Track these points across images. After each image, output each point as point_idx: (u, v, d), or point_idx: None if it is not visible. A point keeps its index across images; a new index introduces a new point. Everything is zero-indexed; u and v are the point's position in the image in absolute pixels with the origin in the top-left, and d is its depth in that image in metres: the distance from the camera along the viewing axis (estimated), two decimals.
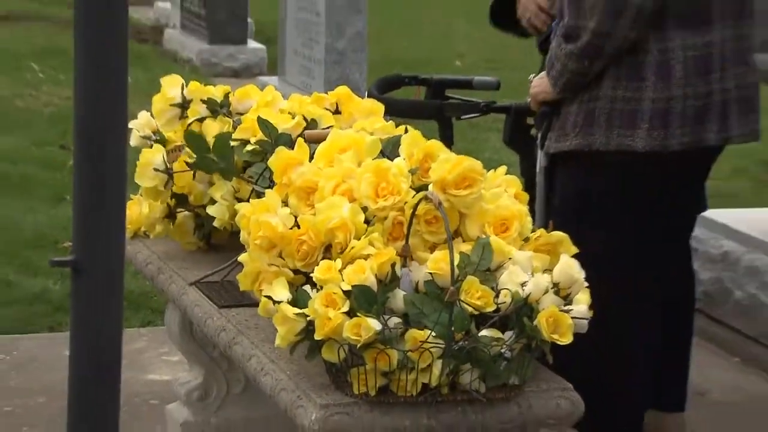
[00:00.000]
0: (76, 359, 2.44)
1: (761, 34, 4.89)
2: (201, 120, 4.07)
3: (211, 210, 3.92)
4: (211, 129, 4.01)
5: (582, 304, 3.19)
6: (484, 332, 3.06)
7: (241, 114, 4.05)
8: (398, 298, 3.10)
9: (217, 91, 4.16)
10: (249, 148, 3.87)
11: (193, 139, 3.92)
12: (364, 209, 3.29)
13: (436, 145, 3.48)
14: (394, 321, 3.05)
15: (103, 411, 2.49)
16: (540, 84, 4.32)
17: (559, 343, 3.11)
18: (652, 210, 4.30)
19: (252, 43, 10.04)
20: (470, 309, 3.06)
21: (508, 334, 3.08)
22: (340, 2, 8.00)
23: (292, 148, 3.61)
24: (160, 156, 4.03)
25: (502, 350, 3.06)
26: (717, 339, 5.31)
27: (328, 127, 3.87)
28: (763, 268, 5.25)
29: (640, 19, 4.06)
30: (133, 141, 4.06)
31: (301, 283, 3.21)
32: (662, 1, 4.06)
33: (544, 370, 3.25)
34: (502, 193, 3.40)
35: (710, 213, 4.98)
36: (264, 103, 4.08)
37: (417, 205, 3.21)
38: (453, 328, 3.03)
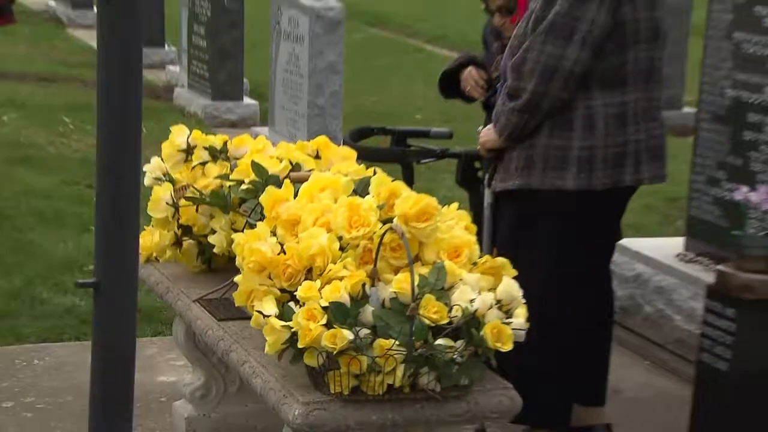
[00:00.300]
0: (97, 364, 2.41)
1: (666, 94, 4.88)
2: (203, 164, 4.06)
3: (211, 239, 3.93)
4: (212, 171, 4.02)
5: (520, 317, 3.21)
6: (439, 341, 3.07)
7: (238, 158, 4.05)
8: (368, 312, 3.10)
9: (217, 140, 4.16)
10: (244, 187, 3.86)
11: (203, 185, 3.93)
12: (340, 238, 3.28)
13: (399, 185, 3.48)
14: (364, 332, 3.05)
15: (119, 407, 2.45)
16: (487, 134, 4.32)
17: (501, 350, 3.13)
18: (581, 239, 4.30)
19: (247, 100, 10.03)
20: (428, 322, 3.07)
21: (459, 343, 3.09)
22: (320, 66, 8.03)
23: (280, 188, 3.61)
24: (168, 193, 4.02)
25: (454, 356, 3.08)
26: (630, 345, 5.32)
27: (309, 170, 3.88)
28: (667, 287, 5.28)
29: (570, 82, 4.08)
30: (147, 181, 4.05)
31: (287, 300, 3.20)
32: (588, 68, 4.08)
33: (489, 372, 3.24)
34: (454, 225, 3.41)
35: (625, 241, 4.98)
36: (256, 149, 4.08)
37: (383, 235, 3.21)
38: (413, 338, 3.05)
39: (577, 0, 4.06)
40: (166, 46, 12.17)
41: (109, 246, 2.37)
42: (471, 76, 4.97)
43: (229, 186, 3.92)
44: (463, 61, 5.09)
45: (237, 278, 3.38)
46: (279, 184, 3.69)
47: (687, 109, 7.72)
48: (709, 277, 4.44)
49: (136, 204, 2.39)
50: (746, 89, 5.05)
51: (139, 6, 2.27)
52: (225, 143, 4.15)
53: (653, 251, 5.49)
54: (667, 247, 5.51)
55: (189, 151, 4.11)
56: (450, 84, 5.10)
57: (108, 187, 2.34)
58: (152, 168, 4.11)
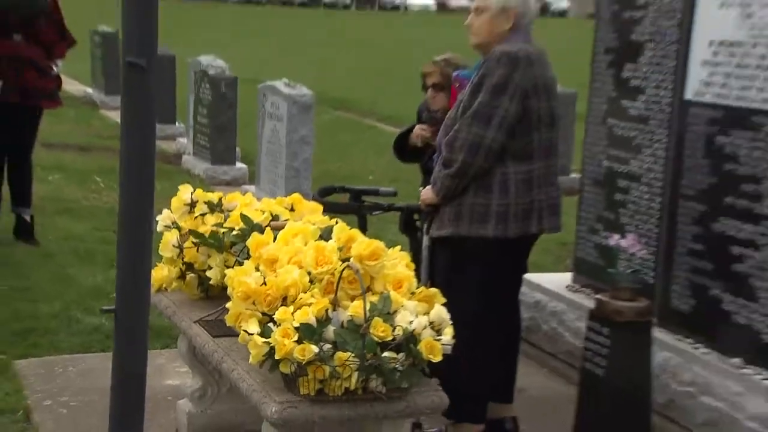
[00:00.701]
0: (117, 371, 2.39)
1: (559, 164, 4.91)
2: (203, 215, 4.06)
3: (209, 273, 3.92)
4: (210, 220, 4.02)
5: (448, 336, 3.23)
6: (385, 354, 3.09)
7: (230, 211, 4.05)
8: (330, 331, 3.11)
9: (214, 196, 4.15)
10: (234, 233, 3.87)
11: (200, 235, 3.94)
12: (309, 273, 3.29)
13: (355, 232, 3.50)
14: (326, 346, 3.06)
15: (134, 404, 2.43)
16: (427, 193, 4.34)
17: (433, 361, 3.15)
18: (499, 278, 4.34)
19: (239, 164, 9.99)
20: (376, 339, 3.08)
21: (401, 355, 3.11)
22: (295, 139, 8.04)
23: (263, 234, 3.62)
24: (175, 238, 4.02)
25: (397, 366, 3.10)
26: (532, 356, 5.30)
27: (285, 220, 3.88)
28: (559, 311, 5.29)
29: (490, 156, 4.11)
30: (159, 228, 4.04)
31: (267, 321, 3.19)
32: (503, 145, 4.11)
33: (423, 378, 3.23)
34: (397, 263, 3.41)
35: (528, 276, 4.97)
36: (244, 204, 4.09)
37: (343, 271, 3.22)
38: (365, 351, 3.07)
39: (495, 93, 4.09)
40: (176, 123, 12.12)
41: (128, 280, 2.36)
42: (417, 129, 5.02)
43: (223, 232, 3.92)
44: (410, 127, 5.14)
45: (228, 304, 3.37)
46: (261, 231, 3.71)
47: (574, 175, 7.77)
48: (590, 304, 4.44)
49: (150, 246, 2.38)
50: (617, 162, 5.09)
51: (152, 96, 2.28)
52: (220, 199, 4.15)
53: (549, 283, 5.51)
54: (559, 281, 5.52)
55: (192, 204, 4.11)
56: (401, 147, 5.13)
57: (128, 232, 2.33)
58: (163, 218, 4.11)
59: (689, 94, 4.63)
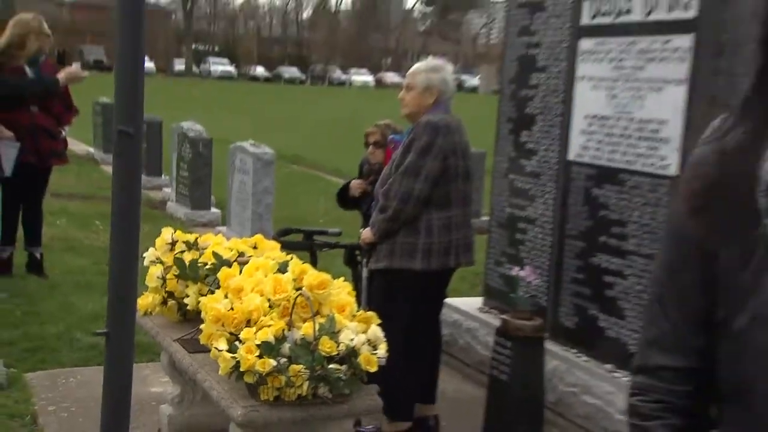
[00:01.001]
0: (108, 383, 2.36)
1: (473, 209, 4.93)
2: (182, 252, 4.01)
3: (186, 300, 3.85)
4: (187, 257, 3.96)
5: (382, 350, 3.20)
6: (331, 366, 3.05)
7: (204, 248, 3.99)
8: (286, 348, 3.07)
9: (191, 237, 4.10)
10: (207, 267, 3.82)
11: (181, 267, 3.88)
12: (268, 300, 3.25)
13: (307, 266, 3.46)
14: (283, 360, 3.02)
15: (122, 410, 2.40)
16: (366, 233, 4.34)
17: (369, 371, 3.14)
18: (423, 300, 4.35)
19: (213, 209, 9.88)
20: (324, 353, 3.05)
21: (344, 367, 3.08)
22: (259, 189, 7.99)
23: (231, 267, 3.58)
24: (159, 271, 3.95)
25: (341, 375, 3.07)
26: (451, 365, 5.28)
27: (249, 257, 3.84)
28: (473, 328, 5.29)
29: (418, 204, 4.13)
30: (145, 263, 3.98)
31: (234, 340, 3.14)
32: (428, 195, 4.14)
33: (362, 385, 3.20)
34: (341, 291, 3.38)
35: (448, 300, 4.94)
36: (216, 243, 4.03)
37: (296, 298, 3.19)
38: (314, 364, 3.03)
39: (421, 154, 4.12)
40: (162, 176, 11.99)
41: (117, 307, 2.34)
42: (354, 183, 5.01)
43: (198, 266, 3.88)
44: (347, 182, 5.13)
45: (202, 326, 3.33)
46: (230, 265, 3.66)
47: (484, 218, 7.79)
48: (497, 322, 4.47)
49: (135, 278, 2.36)
50: (516, 208, 5.14)
51: (138, 157, 2.27)
52: (196, 239, 4.09)
53: (464, 306, 5.51)
54: (473, 304, 5.53)
55: (173, 243, 4.05)
56: (343, 197, 5.11)
57: (118, 266, 2.31)
58: (149, 254, 4.04)
59: (571, 156, 4.70)
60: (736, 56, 3.89)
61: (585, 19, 4.60)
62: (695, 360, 1.11)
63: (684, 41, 4.03)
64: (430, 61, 4.45)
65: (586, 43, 4.60)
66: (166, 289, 3.94)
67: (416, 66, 4.44)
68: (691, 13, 4.00)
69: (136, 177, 2.29)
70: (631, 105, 4.31)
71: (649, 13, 4.23)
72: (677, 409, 1.13)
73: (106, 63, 52.37)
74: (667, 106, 4.11)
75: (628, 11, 4.33)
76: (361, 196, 4.96)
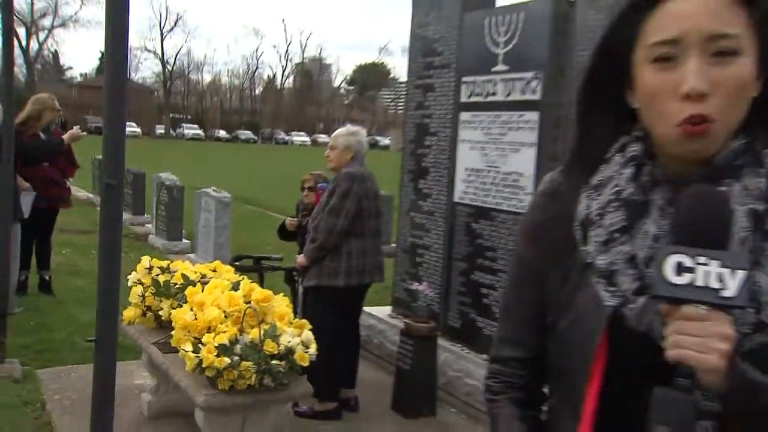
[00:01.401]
0: (97, 377, 2.27)
1: (383, 238, 4.93)
2: (158, 275, 3.92)
3: (161, 312, 3.78)
4: (162, 278, 3.87)
5: (313, 349, 3.18)
6: (273, 362, 3.02)
7: (175, 272, 3.91)
8: (238, 349, 3.02)
9: (164, 263, 4.03)
10: (177, 286, 3.76)
11: (157, 287, 3.78)
12: (224, 312, 3.20)
13: (255, 285, 3.43)
14: (235, 358, 2.98)
15: (108, 398, 2.31)
16: (301, 258, 4.27)
17: (303, 365, 3.12)
18: (345, 310, 4.30)
19: (184, 240, 9.62)
20: (267, 353, 3.02)
21: (283, 362, 3.06)
22: (220, 224, 7.88)
23: (195, 287, 3.52)
24: (140, 289, 3.87)
25: (281, 369, 3.04)
26: (368, 358, 5.20)
27: (210, 278, 3.77)
28: (384, 330, 5.24)
29: (340, 236, 4.10)
30: (129, 284, 3.88)
31: (197, 343, 3.09)
32: (347, 229, 4.11)
33: (298, 376, 3.18)
34: (281, 304, 3.35)
35: (365, 308, 4.84)
36: (184, 267, 3.96)
37: (246, 310, 3.14)
38: (260, 361, 2.99)
39: (342, 198, 4.11)
40: (145, 215, 11.70)
41: (105, 319, 2.27)
42: (288, 221, 4.94)
43: (170, 285, 3.81)
44: (284, 220, 5.04)
45: (173, 332, 3.26)
46: (194, 284, 3.60)
47: (392, 245, 7.79)
48: (402, 325, 4.47)
49: (117, 297, 2.29)
50: (416, 238, 5.17)
51: (120, 203, 2.22)
52: (168, 264, 4.03)
53: (378, 313, 5.45)
54: (384, 311, 5.49)
55: (151, 268, 3.97)
56: (282, 231, 5.04)
57: (106, 287, 2.24)
58: (132, 277, 3.95)
59: (456, 198, 4.75)
60: (569, 128, 4.02)
61: (463, 98, 4.69)
62: (532, 352, 1.14)
63: (533, 116, 4.15)
64: (348, 127, 4.46)
65: (464, 116, 4.69)
66: (146, 303, 3.87)
67: (338, 131, 4.44)
68: (537, 96, 4.12)
69: (118, 218, 2.23)
70: (498, 161, 4.41)
71: (508, 95, 4.34)
72: (519, 387, 1.16)
73: None
74: (523, 162, 4.21)
75: (494, 93, 4.44)
76: (296, 230, 4.91)
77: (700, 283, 0.84)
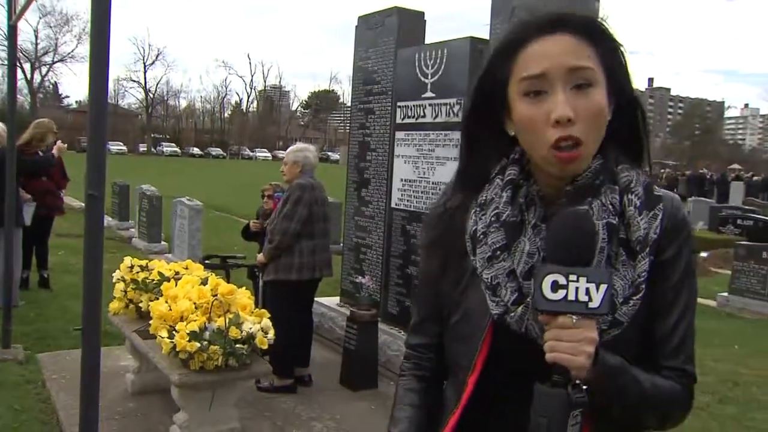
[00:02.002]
0: (84, 360, 2.21)
1: (332, 238, 4.91)
2: (138, 272, 3.82)
3: (141, 304, 3.70)
4: (141, 275, 3.78)
5: (271, 334, 3.14)
6: (237, 345, 2.99)
7: (152, 270, 3.83)
8: (206, 335, 2.98)
9: (143, 262, 3.93)
10: (154, 282, 3.68)
11: (136, 283, 3.68)
12: (194, 304, 3.14)
13: (221, 280, 3.38)
14: (205, 343, 2.94)
15: (94, 378, 2.25)
16: (261, 257, 4.21)
17: (263, 348, 3.08)
18: (300, 300, 4.24)
19: (163, 242, 9.38)
20: (232, 338, 2.98)
21: (246, 346, 3.03)
22: (193, 228, 7.69)
23: (170, 282, 3.46)
24: (123, 285, 3.77)
25: (244, 352, 3.00)
26: (320, 341, 5.16)
27: (182, 275, 3.69)
28: (333, 317, 5.16)
29: (293, 237, 4.05)
30: (113, 280, 3.78)
31: (172, 330, 3.03)
32: (299, 231, 4.06)
33: (258, 357, 3.15)
34: (244, 296, 3.30)
35: (317, 299, 4.81)
36: (160, 266, 3.87)
37: (213, 302, 3.09)
38: (226, 345, 2.94)
39: (295, 205, 4.07)
40: (129, 220, 11.36)
41: (90, 311, 2.20)
42: (251, 223, 4.88)
43: (149, 281, 3.72)
44: (248, 223, 4.97)
45: (151, 321, 3.19)
46: (169, 280, 3.53)
47: (340, 245, 7.77)
48: (348, 313, 4.46)
49: (99, 292, 2.23)
50: (360, 239, 5.17)
51: (102, 212, 2.16)
52: (147, 263, 3.93)
53: (327, 302, 5.40)
54: (333, 301, 5.44)
55: (132, 267, 3.87)
56: (246, 233, 4.97)
57: (90, 284, 2.18)
58: (116, 274, 3.86)
59: (393, 204, 4.78)
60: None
61: (398, 119, 4.73)
62: (435, 339, 1.14)
63: (456, 135, 4.21)
64: (297, 145, 4.43)
65: (399, 134, 4.72)
66: (128, 297, 3.79)
67: (289, 148, 4.41)
68: (459, 118, 4.17)
69: (100, 226, 2.17)
70: (428, 173, 4.46)
71: (435, 117, 4.40)
72: (424, 368, 1.17)
73: None
74: (448, 174, 4.21)
75: (424, 115, 4.49)
76: (258, 232, 4.86)
77: (571, 297, 0.87)
